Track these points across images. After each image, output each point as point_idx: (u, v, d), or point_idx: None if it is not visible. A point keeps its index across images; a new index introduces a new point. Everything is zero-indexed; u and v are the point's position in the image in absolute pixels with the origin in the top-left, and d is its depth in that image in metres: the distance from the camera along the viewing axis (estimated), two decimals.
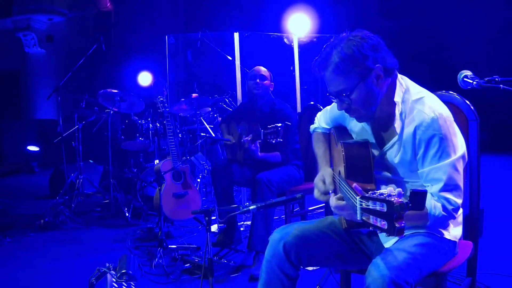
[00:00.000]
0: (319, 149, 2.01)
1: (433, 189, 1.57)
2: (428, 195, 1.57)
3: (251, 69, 3.61)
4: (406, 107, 1.61)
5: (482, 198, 1.89)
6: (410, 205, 1.18)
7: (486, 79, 1.55)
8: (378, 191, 1.25)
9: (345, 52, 1.56)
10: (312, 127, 2.12)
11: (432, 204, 1.55)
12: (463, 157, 1.60)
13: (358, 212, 1.29)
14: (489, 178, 4.58)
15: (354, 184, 1.46)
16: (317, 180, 1.82)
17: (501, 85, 1.52)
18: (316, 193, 1.81)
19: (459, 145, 1.60)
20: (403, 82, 1.66)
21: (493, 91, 1.55)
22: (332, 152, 1.99)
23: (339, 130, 1.93)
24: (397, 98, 1.62)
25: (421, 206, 1.20)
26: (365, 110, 1.63)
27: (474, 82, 1.57)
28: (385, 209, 1.17)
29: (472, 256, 1.85)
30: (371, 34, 1.61)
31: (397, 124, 1.62)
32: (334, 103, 1.97)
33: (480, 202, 1.89)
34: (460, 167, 1.59)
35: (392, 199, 1.17)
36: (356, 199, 1.32)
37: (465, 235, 1.88)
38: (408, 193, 1.63)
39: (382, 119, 1.69)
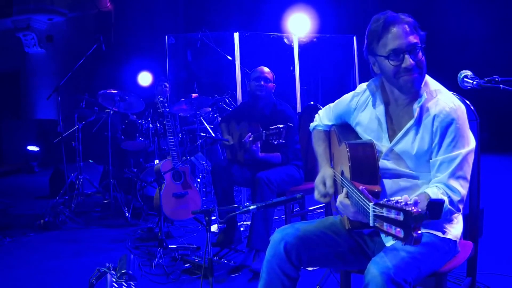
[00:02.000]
0: (319, 147, 2.01)
1: (441, 176, 1.60)
2: (435, 189, 1.59)
3: (254, 69, 3.59)
4: (427, 95, 1.66)
5: (482, 198, 1.89)
6: (428, 214, 1.17)
7: (486, 79, 1.56)
8: (394, 198, 1.23)
9: (409, 17, 1.65)
10: (312, 125, 2.11)
11: (439, 197, 1.56)
12: (473, 151, 1.64)
13: (371, 218, 1.28)
14: (489, 178, 4.58)
15: (361, 187, 1.47)
16: (318, 182, 1.83)
17: (501, 85, 1.53)
18: (317, 195, 1.83)
19: (471, 138, 1.64)
20: None
21: (493, 91, 1.55)
22: (332, 150, 1.98)
23: (342, 128, 1.91)
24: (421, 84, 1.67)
25: (438, 216, 1.19)
26: (424, 71, 1.65)
27: (474, 82, 1.58)
28: (401, 217, 1.16)
29: (472, 256, 1.85)
30: None
31: (416, 110, 1.65)
32: (337, 100, 1.95)
33: (480, 202, 1.89)
34: (471, 160, 1.63)
35: (410, 209, 1.15)
36: (369, 205, 1.31)
37: (465, 235, 1.89)
38: (419, 190, 1.65)
39: (402, 105, 1.71)
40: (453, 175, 1.59)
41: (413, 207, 1.16)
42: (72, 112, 5.21)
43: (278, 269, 1.68)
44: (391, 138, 1.73)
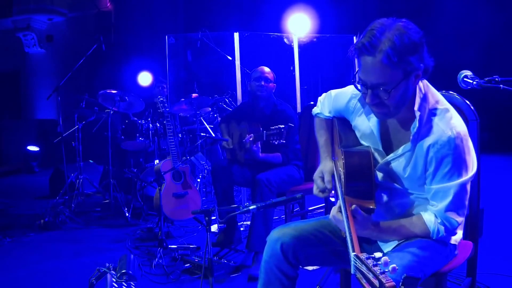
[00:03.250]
0: (321, 137, 1.95)
1: (438, 207, 1.55)
2: (432, 217, 1.57)
3: (254, 69, 3.59)
4: (423, 116, 1.52)
5: (482, 198, 1.89)
6: None
7: (486, 79, 1.55)
8: (375, 256, 1.17)
9: (399, 42, 1.38)
10: (314, 110, 2.00)
11: (436, 227, 1.56)
12: (472, 177, 1.55)
13: (352, 267, 1.23)
14: (489, 178, 4.58)
15: (354, 206, 1.46)
16: (316, 176, 1.80)
17: (501, 85, 1.52)
18: (315, 190, 1.80)
19: (471, 164, 1.54)
20: (422, 87, 1.56)
21: (493, 91, 1.54)
22: (334, 143, 1.92)
23: (342, 122, 1.82)
24: (416, 105, 1.53)
25: None
26: (394, 109, 1.50)
27: (474, 82, 1.57)
28: (377, 283, 1.11)
29: (472, 256, 1.85)
30: (416, 26, 1.46)
31: (412, 132, 1.54)
32: (339, 90, 1.88)
33: (480, 202, 1.89)
34: (469, 186, 1.56)
35: (384, 281, 1.09)
36: (351, 254, 1.26)
37: (465, 235, 1.88)
38: (414, 206, 1.64)
39: (397, 123, 1.62)
40: (450, 207, 1.53)
41: (388, 279, 1.09)
42: (72, 112, 5.21)
43: (276, 269, 1.68)
44: (386, 150, 1.65)
